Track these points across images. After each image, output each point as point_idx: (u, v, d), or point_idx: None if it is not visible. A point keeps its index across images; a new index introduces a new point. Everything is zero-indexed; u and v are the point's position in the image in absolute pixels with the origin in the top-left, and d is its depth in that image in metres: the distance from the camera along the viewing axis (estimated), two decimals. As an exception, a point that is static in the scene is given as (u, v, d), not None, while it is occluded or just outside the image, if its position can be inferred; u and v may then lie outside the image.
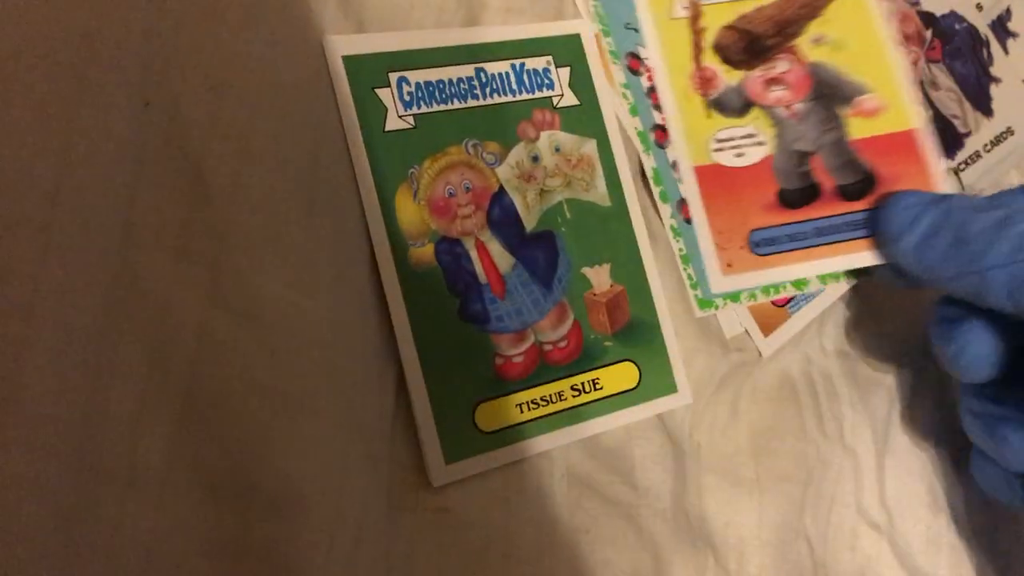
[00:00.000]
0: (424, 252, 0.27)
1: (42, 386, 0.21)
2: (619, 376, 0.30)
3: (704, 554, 0.31)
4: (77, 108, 0.22)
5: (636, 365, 0.30)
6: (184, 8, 0.24)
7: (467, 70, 0.29)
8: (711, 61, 0.33)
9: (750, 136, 0.33)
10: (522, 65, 0.30)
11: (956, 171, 0.38)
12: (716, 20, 0.33)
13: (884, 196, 0.31)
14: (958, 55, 0.40)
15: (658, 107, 0.32)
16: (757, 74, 0.33)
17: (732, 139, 0.32)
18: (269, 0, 0.26)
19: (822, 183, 0.33)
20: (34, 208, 0.21)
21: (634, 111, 0.32)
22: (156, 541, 0.22)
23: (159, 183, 0.24)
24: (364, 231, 0.27)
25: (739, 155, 0.32)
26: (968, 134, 0.39)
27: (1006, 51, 0.41)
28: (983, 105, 0.40)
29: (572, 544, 0.29)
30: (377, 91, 0.28)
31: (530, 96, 0.30)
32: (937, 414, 0.37)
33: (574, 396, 0.29)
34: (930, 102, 0.39)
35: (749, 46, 0.33)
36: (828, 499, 0.34)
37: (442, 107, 0.29)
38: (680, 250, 0.32)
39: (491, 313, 0.28)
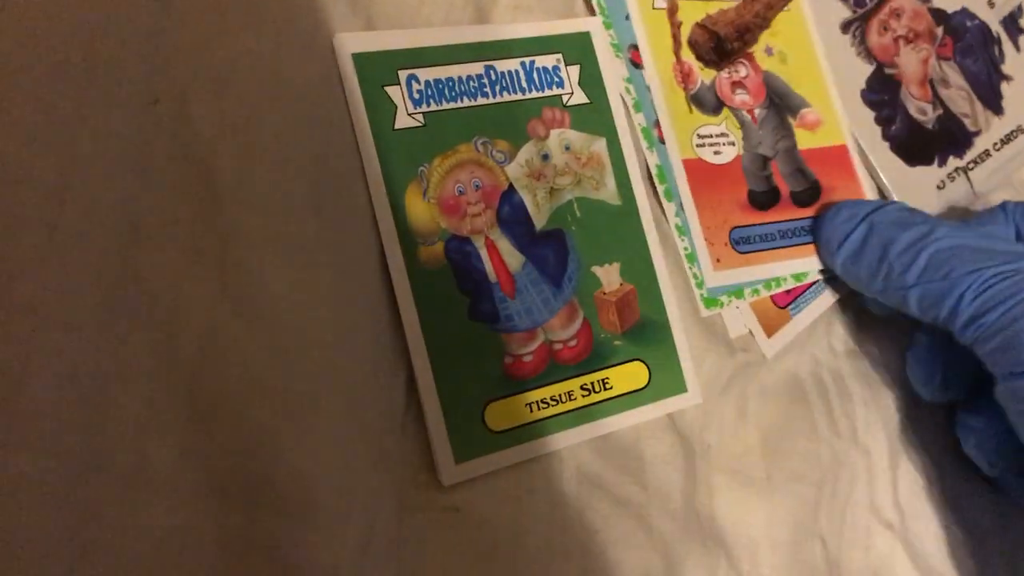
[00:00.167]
0: (434, 251, 0.27)
1: (48, 386, 0.21)
2: (629, 376, 0.30)
3: (715, 555, 0.31)
4: (83, 107, 0.22)
5: (646, 365, 0.30)
6: (190, 6, 0.24)
7: (477, 68, 0.29)
8: (688, 56, 0.34)
9: (724, 135, 0.33)
10: (532, 63, 0.30)
11: (965, 170, 0.38)
12: (690, 16, 0.34)
13: (824, 207, 0.33)
14: (969, 52, 0.40)
15: None
16: (725, 75, 0.34)
17: (711, 136, 0.33)
18: (277, -3, 0.26)
19: (780, 188, 0.34)
20: (40, 207, 0.22)
21: (638, 107, 0.32)
22: (163, 541, 0.22)
23: (165, 182, 0.24)
24: (372, 230, 0.27)
25: (717, 153, 0.33)
26: (978, 132, 0.39)
27: (1017, 48, 0.41)
28: (993, 103, 0.39)
29: (582, 544, 0.29)
30: (387, 89, 0.28)
31: (540, 94, 0.30)
32: (951, 413, 0.37)
33: (584, 396, 0.29)
34: (940, 100, 0.38)
35: (716, 47, 0.34)
36: (843, 498, 0.34)
37: (452, 105, 0.28)
38: (685, 248, 0.32)
39: (501, 312, 0.28)
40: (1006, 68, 0.40)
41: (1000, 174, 0.39)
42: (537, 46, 0.30)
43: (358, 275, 0.26)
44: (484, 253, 0.28)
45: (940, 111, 0.38)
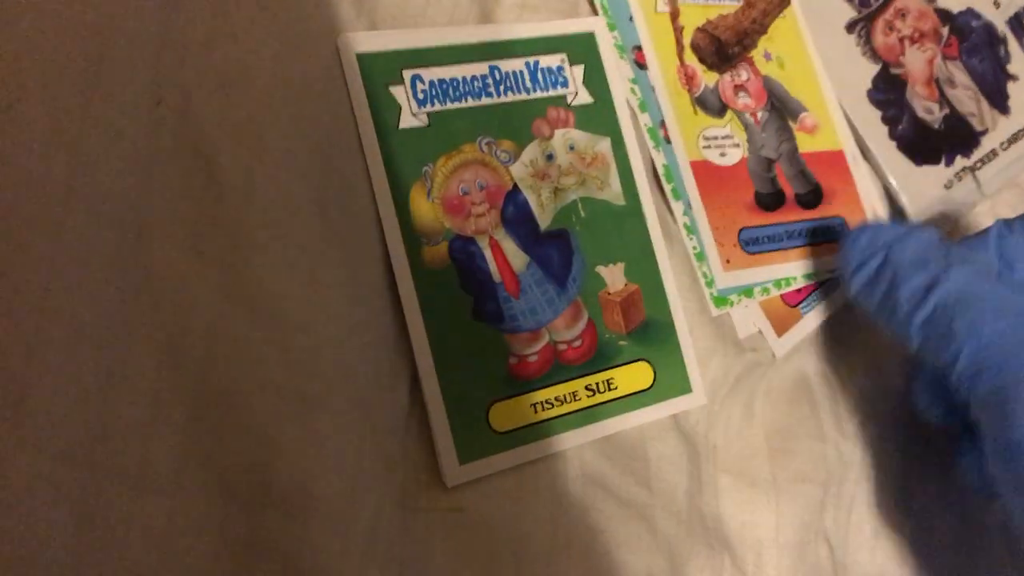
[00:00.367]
0: (438, 251, 0.27)
1: (54, 385, 0.21)
2: (634, 376, 0.30)
3: (720, 556, 0.31)
4: (89, 106, 0.22)
5: (651, 365, 0.30)
6: (196, 6, 0.25)
7: (481, 68, 0.29)
8: (690, 60, 0.34)
9: (728, 137, 0.34)
10: (536, 63, 0.30)
11: (972, 169, 0.38)
12: (692, 20, 0.34)
13: (847, 231, 0.32)
14: (975, 52, 0.39)
15: None
16: (727, 78, 0.34)
17: (716, 138, 0.33)
18: (282, -2, 0.26)
19: (785, 190, 0.34)
20: (47, 206, 0.22)
21: (643, 107, 0.32)
22: (169, 540, 0.22)
23: (171, 181, 0.24)
24: (377, 229, 0.27)
25: (722, 154, 0.33)
26: (985, 132, 0.39)
27: (1023, 48, 0.41)
28: (1000, 103, 0.39)
29: (587, 545, 0.28)
30: (391, 89, 0.28)
31: (544, 94, 0.30)
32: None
33: (588, 396, 0.29)
34: (946, 100, 0.38)
35: (718, 51, 0.34)
36: (848, 499, 0.34)
37: (456, 105, 0.28)
38: (694, 248, 0.32)
39: (505, 312, 0.28)
40: (1012, 68, 0.40)
41: (1007, 173, 0.39)
42: (541, 46, 0.30)
43: (363, 275, 0.26)
44: (488, 253, 0.28)
45: (947, 110, 0.38)
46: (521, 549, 0.27)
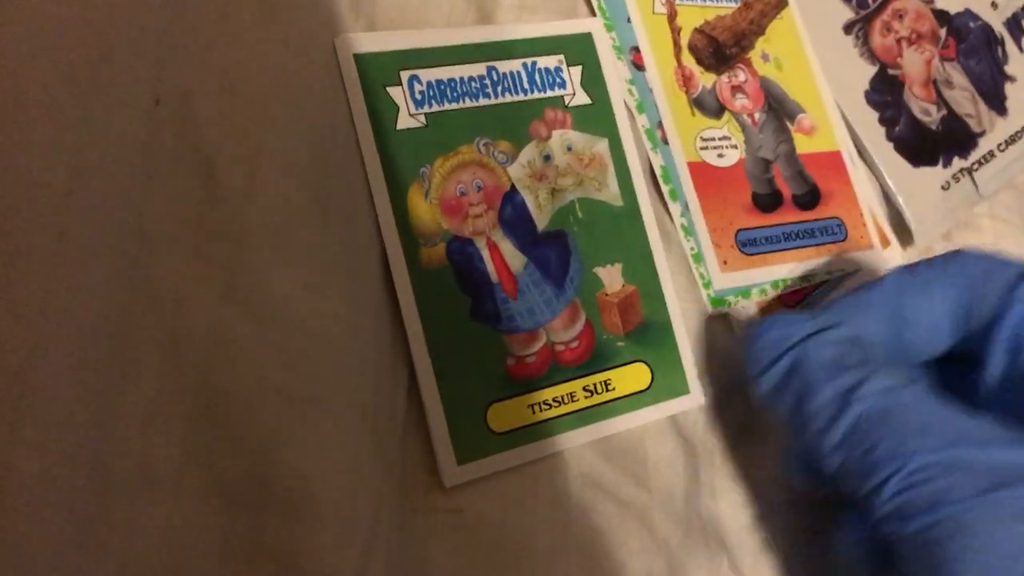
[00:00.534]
0: (436, 252, 0.27)
1: (55, 387, 0.21)
2: (631, 377, 0.30)
3: (719, 557, 0.31)
4: (90, 108, 0.22)
5: (648, 366, 0.30)
6: (196, 8, 0.25)
7: (479, 68, 0.29)
8: (688, 61, 0.34)
9: (726, 138, 0.34)
10: (534, 64, 0.30)
11: (970, 171, 0.38)
12: (689, 21, 0.34)
13: (754, 324, 0.28)
14: (973, 53, 0.40)
15: None
16: (725, 80, 0.34)
17: (713, 139, 0.33)
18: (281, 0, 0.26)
19: (782, 191, 0.34)
20: (47, 209, 0.21)
21: (641, 108, 0.32)
22: (169, 542, 0.22)
23: (172, 183, 0.24)
24: (376, 230, 0.27)
25: (720, 156, 0.33)
26: (982, 133, 0.39)
27: (1021, 49, 0.41)
28: (997, 104, 0.39)
29: (586, 546, 0.28)
30: (388, 89, 0.28)
31: (542, 95, 0.30)
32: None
33: (586, 397, 0.29)
34: (944, 101, 0.38)
35: (715, 52, 0.34)
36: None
37: (454, 106, 0.28)
38: (692, 249, 0.32)
39: (503, 313, 0.28)
40: (1010, 69, 0.40)
41: (1005, 175, 0.39)
42: (539, 47, 0.30)
43: (361, 275, 0.26)
44: (486, 254, 0.28)
45: (944, 112, 0.38)
46: (520, 549, 0.27)
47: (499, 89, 0.29)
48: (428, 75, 0.28)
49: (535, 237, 0.29)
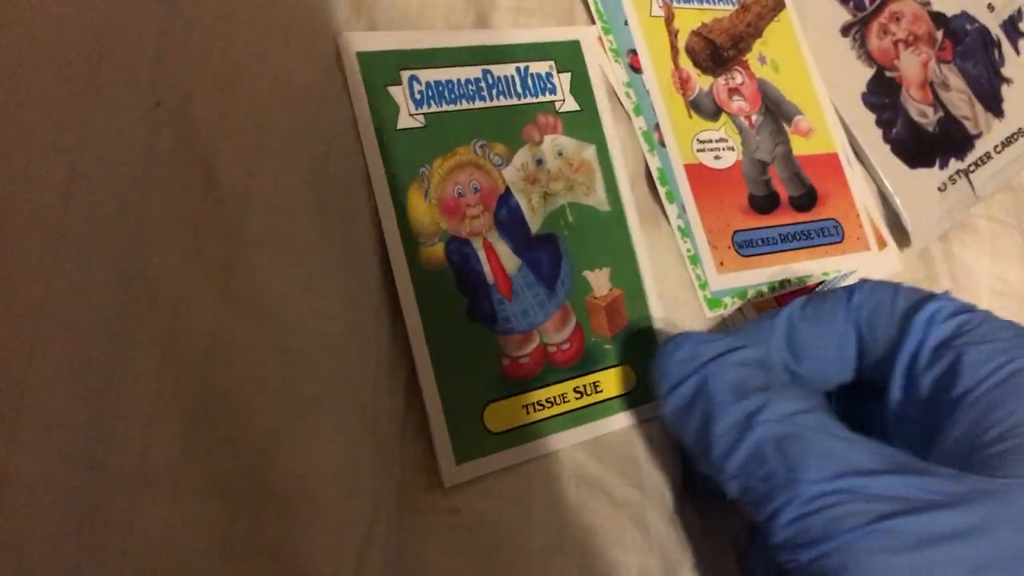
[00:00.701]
0: (435, 251, 0.27)
1: (54, 386, 0.21)
2: (619, 379, 0.30)
3: (711, 555, 0.31)
4: (88, 108, 0.22)
5: (634, 369, 0.30)
6: (195, 7, 0.24)
7: (475, 71, 0.29)
8: (685, 63, 0.34)
9: (723, 140, 0.34)
10: (527, 69, 0.30)
11: (966, 172, 0.38)
12: (686, 24, 0.34)
13: (666, 341, 0.28)
14: (969, 56, 0.40)
15: None
16: (722, 82, 0.34)
17: (710, 141, 0.33)
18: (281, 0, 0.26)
19: (779, 193, 0.34)
20: (46, 208, 0.21)
21: (638, 110, 0.32)
22: (167, 541, 0.22)
23: (170, 183, 0.23)
24: (374, 230, 0.27)
25: (717, 158, 0.33)
26: (979, 135, 0.39)
27: (1017, 51, 0.41)
28: (994, 106, 0.39)
29: (582, 545, 0.28)
30: (390, 89, 0.28)
31: (534, 100, 0.30)
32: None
33: (576, 398, 0.29)
34: (940, 103, 0.39)
35: (713, 54, 0.35)
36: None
37: (451, 107, 0.29)
38: (688, 251, 0.32)
39: (499, 314, 0.28)
40: (1006, 71, 0.40)
41: (1001, 176, 0.39)
42: (531, 52, 0.30)
43: (360, 275, 0.26)
44: (482, 255, 0.28)
45: (941, 114, 0.38)
46: (517, 549, 0.27)
47: (494, 92, 0.29)
48: (427, 76, 0.28)
49: (528, 239, 0.29)
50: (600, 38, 0.32)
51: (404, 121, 0.28)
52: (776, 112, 0.35)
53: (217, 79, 0.24)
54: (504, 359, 0.28)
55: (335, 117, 0.27)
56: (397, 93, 0.28)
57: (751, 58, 0.35)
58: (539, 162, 0.30)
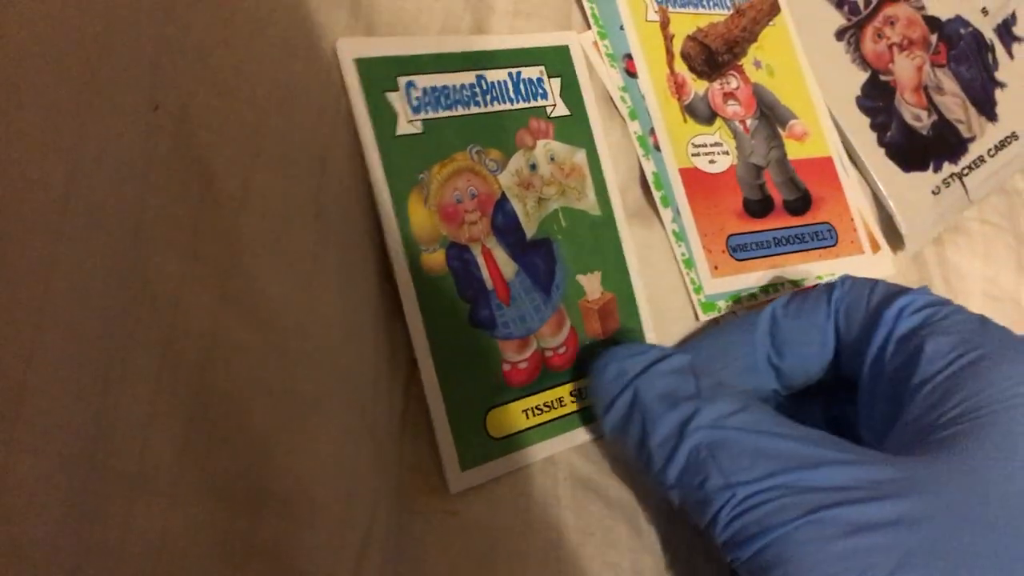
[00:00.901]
0: (435, 258, 0.27)
1: (52, 389, 0.21)
2: (614, 381, 0.30)
3: (706, 554, 0.31)
4: (87, 112, 0.22)
5: None
6: (194, 12, 0.24)
7: (469, 77, 0.29)
8: (680, 68, 0.34)
9: (718, 145, 0.34)
10: (519, 74, 0.30)
11: (960, 176, 0.38)
12: (682, 28, 0.35)
13: (595, 360, 0.28)
14: (963, 59, 0.40)
15: None
16: (717, 86, 0.35)
17: (705, 145, 0.33)
18: (279, 4, 0.26)
19: (773, 197, 0.34)
20: (44, 211, 0.21)
21: (633, 115, 0.32)
22: (166, 542, 0.22)
23: (169, 187, 0.23)
24: (372, 235, 0.27)
25: (711, 162, 0.33)
26: (972, 139, 0.39)
27: (1011, 56, 0.41)
28: (988, 110, 0.40)
29: (578, 547, 0.28)
30: (388, 95, 0.28)
31: (526, 105, 0.30)
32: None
33: (572, 402, 0.29)
34: (934, 107, 0.39)
35: (708, 59, 0.35)
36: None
37: (447, 113, 0.29)
38: (683, 254, 0.32)
39: (498, 319, 0.28)
40: (1000, 75, 0.40)
41: (995, 180, 0.39)
42: (522, 58, 0.30)
43: (358, 280, 0.26)
44: (481, 261, 0.28)
45: (935, 117, 0.39)
46: (514, 551, 0.28)
47: (488, 98, 0.29)
48: (423, 82, 0.28)
49: (524, 245, 0.29)
50: (596, 43, 0.33)
51: (403, 127, 0.28)
52: (771, 116, 0.35)
53: (215, 83, 0.24)
54: (504, 364, 0.28)
55: (333, 122, 0.27)
56: (395, 99, 0.28)
57: (746, 62, 0.36)
58: (533, 167, 0.30)
